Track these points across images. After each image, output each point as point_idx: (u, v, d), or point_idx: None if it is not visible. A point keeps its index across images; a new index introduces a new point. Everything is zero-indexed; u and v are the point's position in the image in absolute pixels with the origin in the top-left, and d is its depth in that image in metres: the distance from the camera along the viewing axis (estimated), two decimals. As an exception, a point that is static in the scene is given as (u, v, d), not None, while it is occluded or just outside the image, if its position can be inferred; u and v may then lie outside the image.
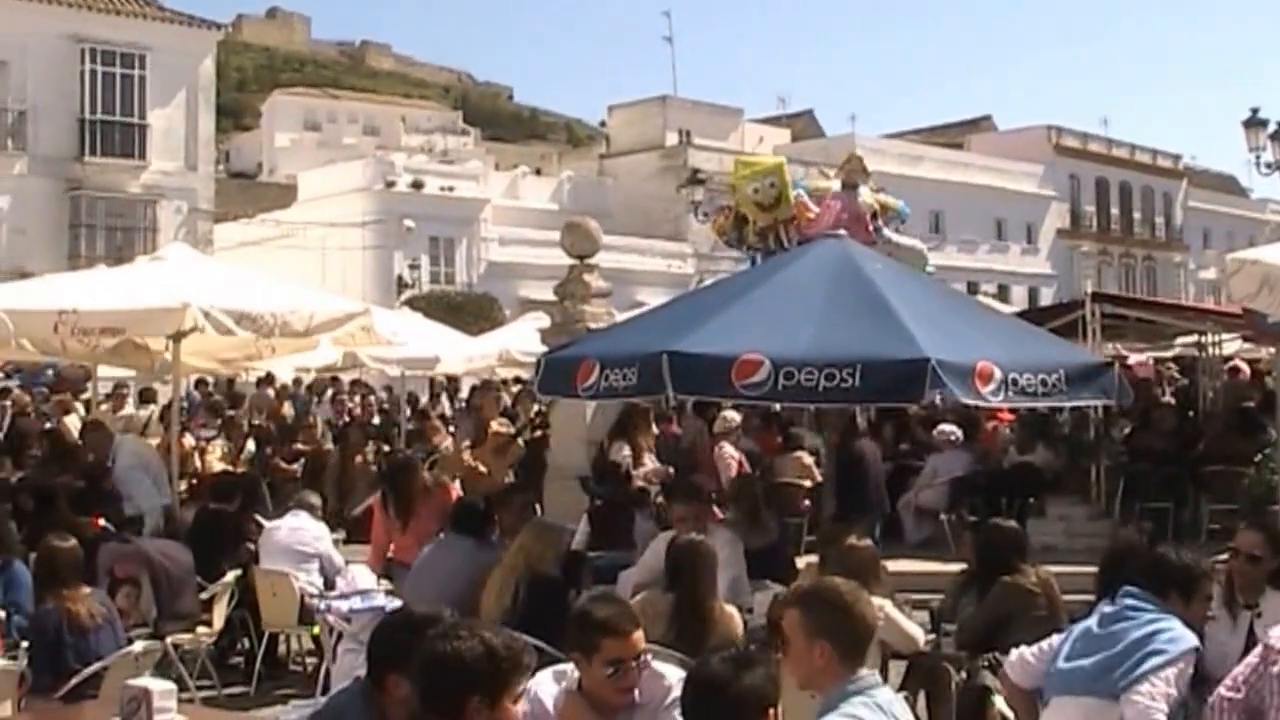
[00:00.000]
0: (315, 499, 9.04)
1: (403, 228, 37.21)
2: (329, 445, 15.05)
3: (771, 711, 3.27)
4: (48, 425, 13.57)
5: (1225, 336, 16.63)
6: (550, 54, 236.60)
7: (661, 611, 5.66)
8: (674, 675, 3.91)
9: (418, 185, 38.49)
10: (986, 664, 5.90)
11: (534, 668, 3.57)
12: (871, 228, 13.48)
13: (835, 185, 14.02)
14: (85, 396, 15.84)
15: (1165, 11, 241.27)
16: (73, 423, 14.24)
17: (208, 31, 33.09)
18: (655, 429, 14.07)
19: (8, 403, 16.24)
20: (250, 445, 14.16)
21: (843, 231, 9.92)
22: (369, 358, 16.87)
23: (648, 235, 40.21)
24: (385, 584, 7.64)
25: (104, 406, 15.14)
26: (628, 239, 36.42)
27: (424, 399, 21.22)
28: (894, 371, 6.85)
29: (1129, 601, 4.70)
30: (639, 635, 3.97)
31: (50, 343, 10.46)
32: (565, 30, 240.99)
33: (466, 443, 10.41)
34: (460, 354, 18.75)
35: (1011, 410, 12.82)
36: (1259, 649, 4.40)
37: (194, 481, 11.46)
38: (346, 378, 20.42)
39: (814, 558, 7.22)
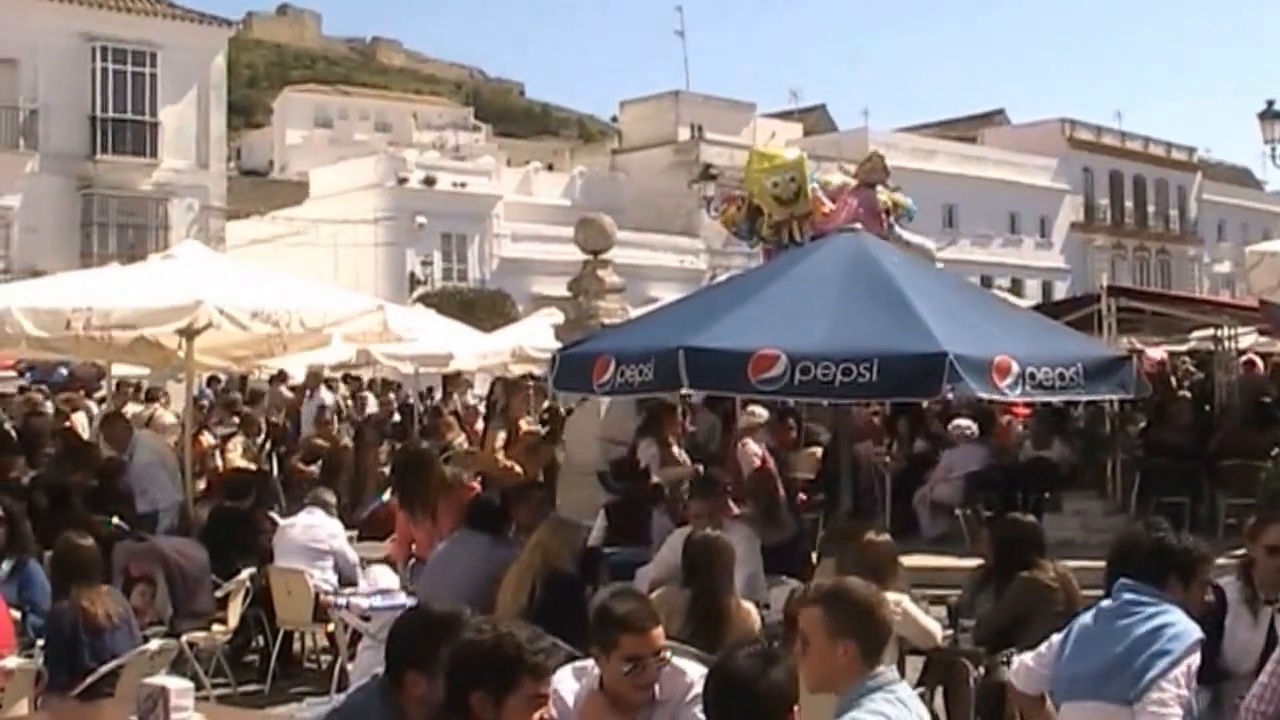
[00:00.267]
0: (330, 496, 9.03)
1: (415, 224, 37.23)
2: (346, 442, 15.01)
3: (795, 709, 3.25)
4: (66, 424, 13.59)
5: (1241, 330, 16.54)
6: (562, 49, 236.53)
7: (678, 607, 5.64)
8: (695, 671, 3.88)
9: (430, 182, 38.50)
10: (1004, 660, 5.87)
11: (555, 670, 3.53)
12: (885, 225, 13.43)
13: (849, 181, 13.96)
14: (100, 394, 15.88)
15: (1179, 4, 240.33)
16: (80, 421, 14.27)
17: (218, 29, 33.13)
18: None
19: (19, 399, 16.27)
20: (266, 443, 14.15)
21: (858, 225, 9.88)
22: (381, 355, 16.87)
23: (660, 231, 40.17)
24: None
25: (104, 405, 15.14)
26: (640, 234, 36.37)
27: (437, 395, 21.24)
28: (911, 366, 6.81)
29: (1127, 596, 4.62)
30: (658, 632, 3.94)
31: (63, 341, 10.46)
32: (576, 25, 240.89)
33: (500, 441, 10.30)
34: (473, 351, 18.75)
35: (1027, 405, 12.78)
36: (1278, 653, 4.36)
37: (211, 479, 11.44)
38: (364, 375, 20.47)
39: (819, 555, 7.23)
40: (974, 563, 7.39)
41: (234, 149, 61.67)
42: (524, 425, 10.72)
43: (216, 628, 7.91)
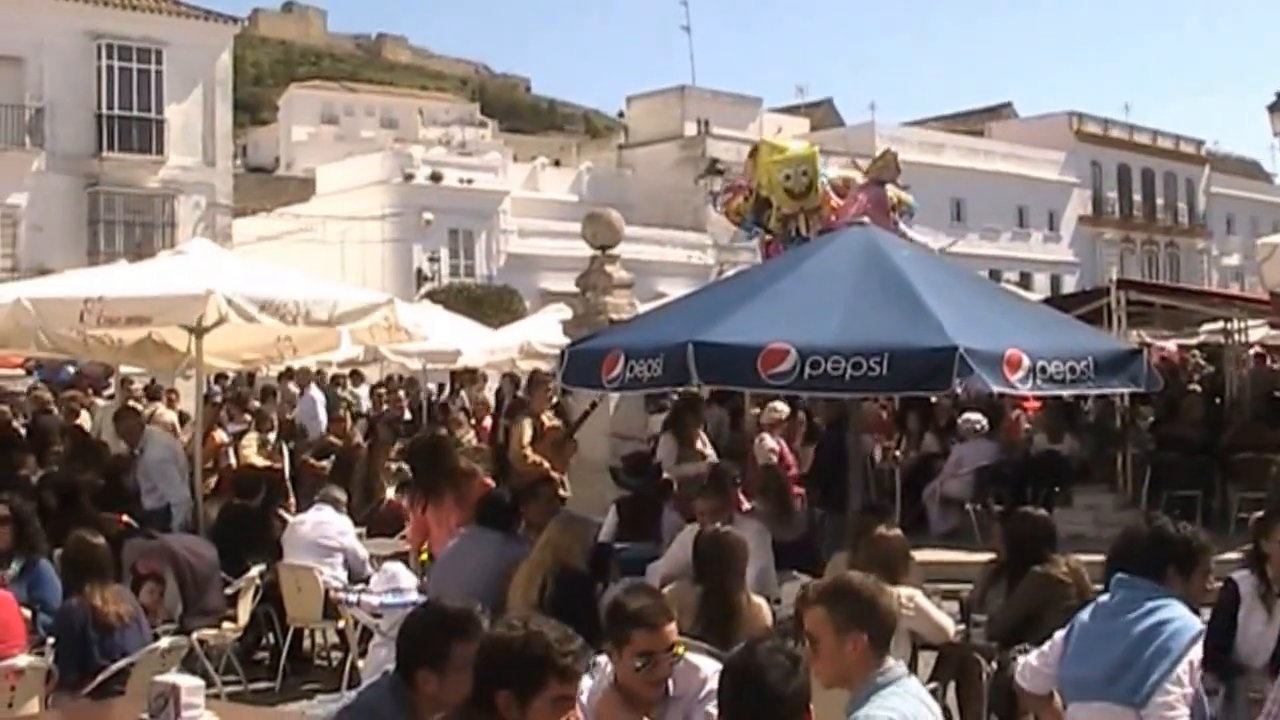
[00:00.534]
0: (339, 494, 9.04)
1: (422, 220, 37.23)
2: (359, 439, 14.97)
3: (810, 709, 3.23)
4: (75, 422, 13.59)
5: (1251, 323, 16.50)
6: (567, 44, 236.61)
7: (689, 604, 5.61)
8: (709, 667, 3.86)
9: (436, 178, 38.50)
10: (1017, 654, 5.83)
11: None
12: (892, 221, 13.39)
13: (856, 176, 13.92)
14: (109, 393, 15.88)
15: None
16: (83, 421, 14.25)
17: (224, 26, 33.13)
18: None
19: (25, 398, 16.27)
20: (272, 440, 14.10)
21: (866, 220, 9.84)
22: (389, 352, 16.87)
23: (667, 226, 40.15)
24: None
25: (105, 403, 15.12)
26: (648, 230, 36.36)
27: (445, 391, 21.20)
28: (922, 360, 6.79)
29: (1122, 592, 4.58)
30: (671, 628, 3.92)
31: (72, 340, 10.46)
32: (582, 20, 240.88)
33: (527, 437, 10.27)
34: (481, 347, 18.76)
35: (1038, 399, 12.73)
36: None
37: (222, 476, 11.42)
38: (368, 371, 20.41)
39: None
40: (985, 557, 7.35)
41: (240, 146, 61.78)
42: (548, 421, 10.65)
43: (226, 625, 7.90)
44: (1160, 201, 58.51)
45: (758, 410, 14.59)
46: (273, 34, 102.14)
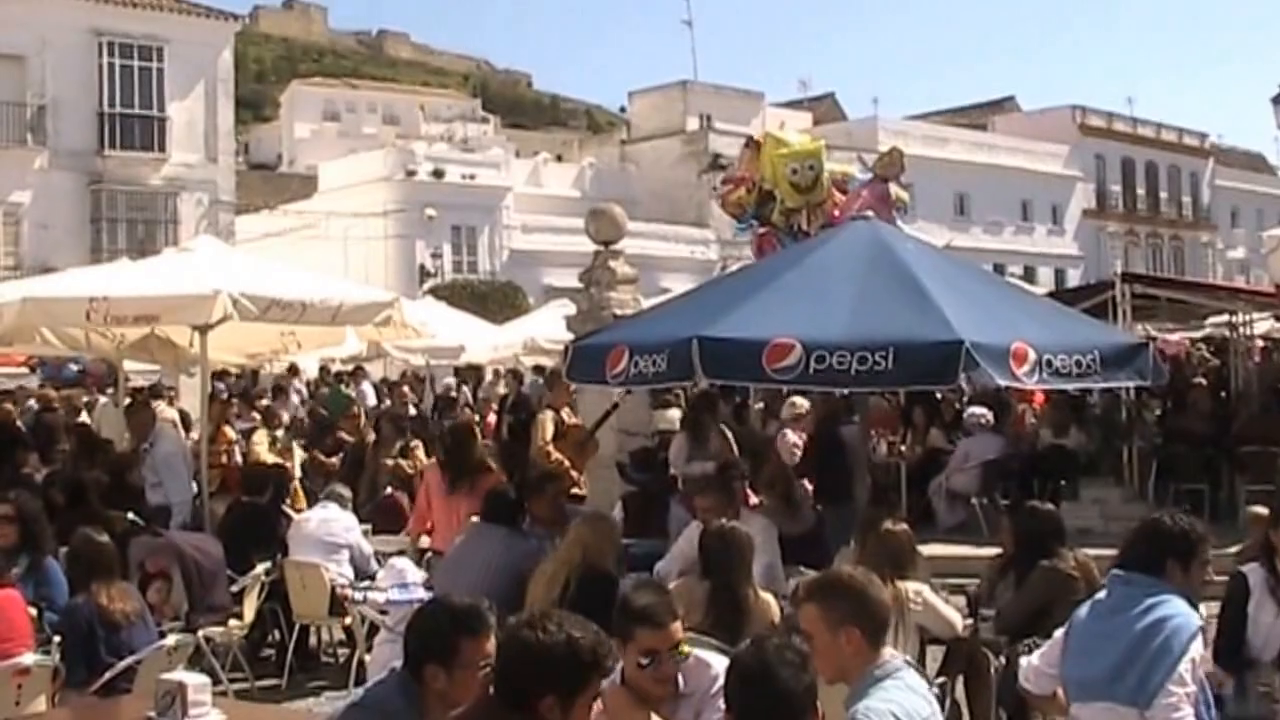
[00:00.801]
0: (345, 490, 9.03)
1: (424, 217, 37.22)
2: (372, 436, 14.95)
3: (819, 706, 3.22)
4: (81, 419, 13.59)
5: (1257, 316, 16.48)
6: (569, 40, 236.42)
7: (698, 599, 5.60)
8: (720, 664, 3.84)
9: (439, 174, 38.47)
10: (1026, 649, 5.82)
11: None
12: (893, 217, 13.37)
13: (853, 169, 13.88)
14: (111, 391, 15.87)
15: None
16: (82, 419, 14.24)
17: (225, 23, 33.11)
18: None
19: (31, 402, 16.25)
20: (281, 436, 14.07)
21: (870, 213, 9.82)
22: (392, 348, 16.86)
23: (671, 221, 40.11)
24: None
25: (104, 401, 15.10)
26: (651, 225, 36.32)
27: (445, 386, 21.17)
28: (928, 354, 6.77)
29: (1120, 589, 4.55)
30: (676, 626, 3.89)
31: (76, 337, 10.46)
32: (584, 15, 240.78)
33: (549, 434, 10.24)
34: (486, 343, 18.78)
35: (1044, 393, 12.72)
36: None
37: (227, 473, 11.39)
38: (373, 369, 20.40)
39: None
40: (991, 552, 7.34)
41: (242, 143, 61.85)
42: (569, 418, 10.62)
43: (233, 623, 7.89)
44: (1164, 195, 58.41)
45: (761, 405, 14.59)
46: (274, 30, 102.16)
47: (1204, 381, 15.28)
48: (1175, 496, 11.92)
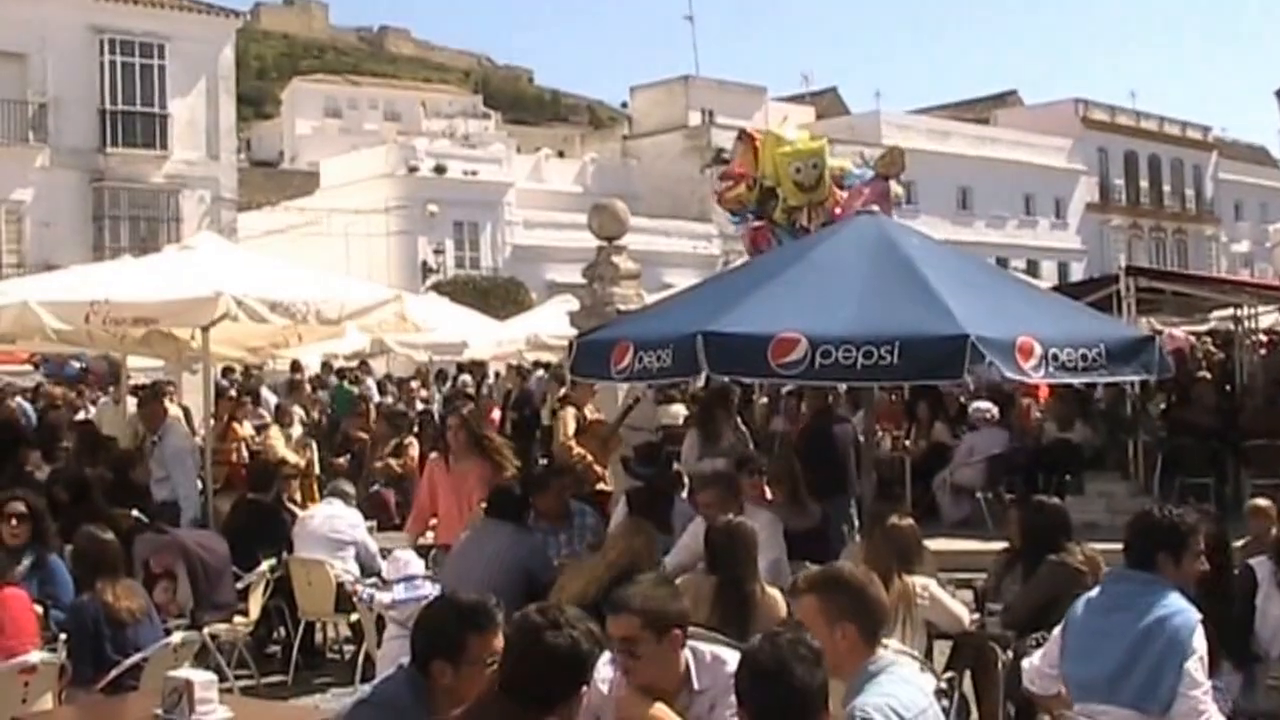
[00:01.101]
0: (349, 487, 9.03)
1: (426, 213, 37.21)
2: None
3: (829, 706, 3.21)
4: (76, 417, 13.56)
5: (1261, 309, 16.44)
6: (571, 35, 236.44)
7: (705, 595, 5.59)
8: (734, 660, 3.82)
9: (441, 170, 38.46)
10: (1034, 643, 5.80)
11: None
12: (892, 213, 13.36)
13: (849, 164, 13.87)
14: (111, 390, 15.83)
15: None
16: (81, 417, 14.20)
17: (226, 20, 33.10)
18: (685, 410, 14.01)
19: (19, 399, 16.23)
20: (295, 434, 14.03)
21: (875, 208, 9.80)
22: (396, 344, 16.85)
23: (673, 216, 40.10)
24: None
25: (105, 399, 15.07)
26: (653, 220, 36.31)
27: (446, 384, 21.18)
28: (933, 349, 6.75)
29: (1112, 587, 4.53)
30: (624, 620, 3.85)
31: (78, 334, 10.44)
32: (585, 11, 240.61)
33: (571, 429, 10.24)
34: (489, 339, 18.77)
35: (1049, 386, 12.69)
36: None
37: (232, 470, 11.37)
38: (376, 365, 20.36)
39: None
40: (996, 546, 7.33)
41: (244, 140, 61.79)
42: (590, 413, 10.61)
43: (238, 620, 7.89)
44: (1168, 188, 58.35)
45: (766, 400, 14.57)
46: (275, 27, 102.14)
47: (1208, 375, 15.27)
48: (1180, 490, 11.90)
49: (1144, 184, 57.38)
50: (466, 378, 20.30)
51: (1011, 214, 51.08)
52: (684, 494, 8.86)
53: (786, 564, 7.05)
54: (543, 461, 12.58)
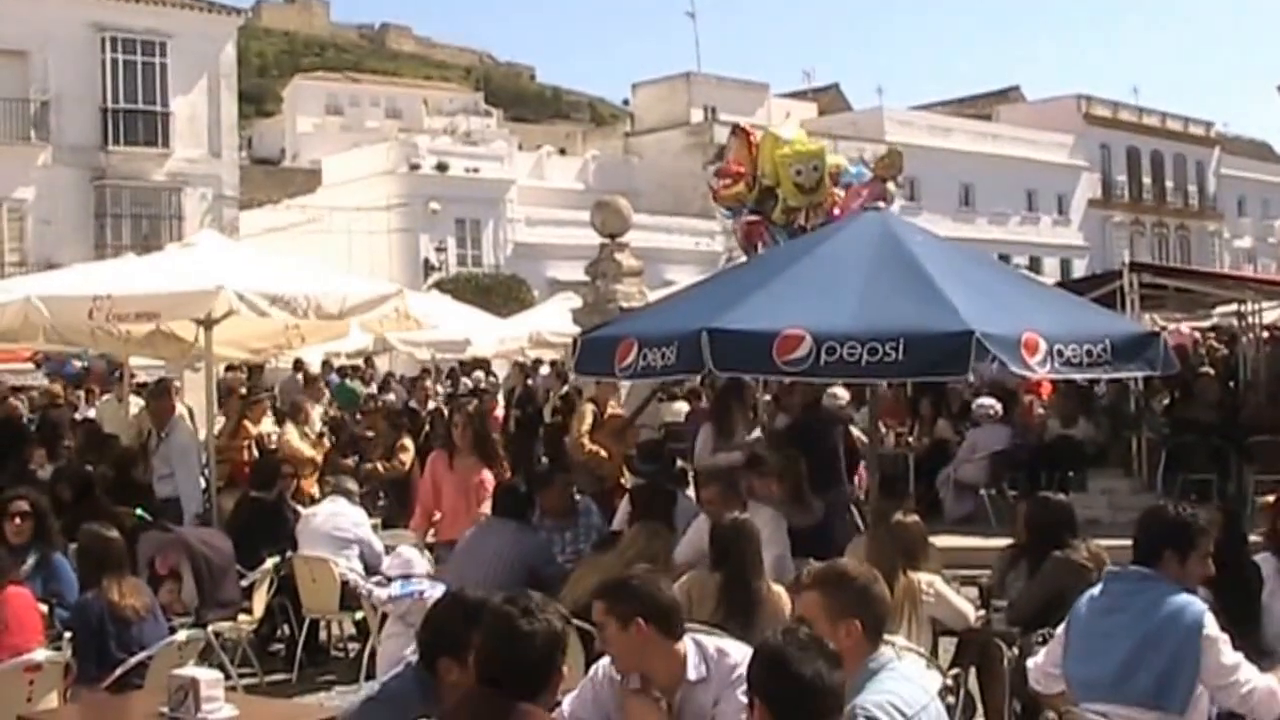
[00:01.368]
0: (352, 485, 9.02)
1: (428, 210, 37.21)
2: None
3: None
4: (87, 415, 13.54)
5: (1265, 305, 16.41)
6: (572, 32, 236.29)
7: (710, 591, 5.59)
8: (738, 653, 3.82)
9: (442, 167, 38.45)
10: (1039, 640, 5.79)
11: None
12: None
13: (844, 161, 13.86)
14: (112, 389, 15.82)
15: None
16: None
17: (228, 17, 33.12)
18: (688, 407, 14.01)
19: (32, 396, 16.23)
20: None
21: (881, 204, 9.79)
22: (398, 342, 16.83)
23: (675, 213, 40.08)
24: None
25: (106, 397, 15.06)
26: (655, 217, 36.29)
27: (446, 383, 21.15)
28: (938, 345, 6.74)
29: (1113, 585, 4.51)
30: (597, 604, 3.89)
31: (80, 333, 10.43)
32: (586, 8, 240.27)
33: (587, 425, 10.23)
34: (491, 336, 18.75)
35: (1051, 384, 12.67)
36: None
37: (235, 468, 11.34)
38: (378, 363, 20.35)
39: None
40: (1000, 543, 7.31)
41: (245, 138, 61.70)
42: (610, 408, 10.59)
43: (243, 617, 7.88)
44: (1170, 184, 58.32)
45: (769, 397, 14.55)
46: (277, 25, 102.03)
47: (1211, 371, 15.25)
48: (1183, 486, 11.88)
49: (1147, 180, 57.36)
50: (480, 374, 20.28)
51: (1014, 210, 51.08)
52: (689, 491, 8.84)
53: (790, 561, 7.04)
54: (545, 459, 12.60)
